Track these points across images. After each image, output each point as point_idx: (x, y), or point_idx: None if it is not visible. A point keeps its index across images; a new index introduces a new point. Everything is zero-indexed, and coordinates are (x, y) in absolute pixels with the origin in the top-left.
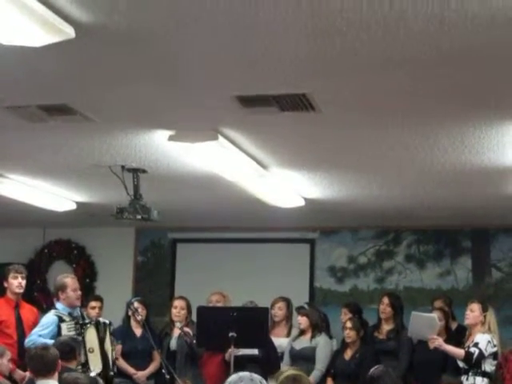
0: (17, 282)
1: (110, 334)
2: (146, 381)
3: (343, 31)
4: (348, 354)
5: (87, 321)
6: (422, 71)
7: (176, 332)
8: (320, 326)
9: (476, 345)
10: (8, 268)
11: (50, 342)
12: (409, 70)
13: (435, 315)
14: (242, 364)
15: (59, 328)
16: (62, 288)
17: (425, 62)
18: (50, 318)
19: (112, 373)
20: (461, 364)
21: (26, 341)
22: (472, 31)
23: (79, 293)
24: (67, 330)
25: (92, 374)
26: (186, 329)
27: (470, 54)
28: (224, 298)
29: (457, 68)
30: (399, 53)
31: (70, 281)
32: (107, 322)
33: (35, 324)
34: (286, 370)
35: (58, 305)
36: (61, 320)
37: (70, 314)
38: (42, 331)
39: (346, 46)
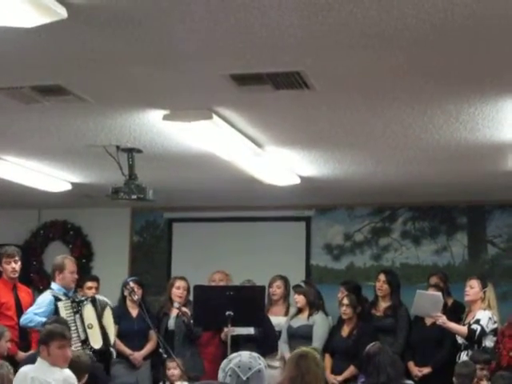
0: (10, 268)
1: (111, 309)
2: (142, 361)
3: (336, 8)
4: (345, 331)
5: (83, 298)
6: (416, 47)
7: (174, 312)
8: (317, 304)
9: (477, 321)
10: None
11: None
12: (403, 46)
13: (440, 293)
14: (239, 344)
15: (56, 307)
16: (60, 269)
17: (419, 37)
18: (46, 297)
19: (111, 348)
20: (460, 340)
21: (22, 319)
22: (467, 6)
23: (76, 276)
24: (64, 309)
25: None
26: (184, 309)
27: (465, 29)
28: (227, 276)
29: (451, 43)
30: (393, 29)
31: (68, 263)
32: (107, 300)
33: (32, 305)
34: (299, 348)
35: (54, 285)
36: (57, 299)
37: (65, 295)
38: (38, 310)
39: (340, 23)
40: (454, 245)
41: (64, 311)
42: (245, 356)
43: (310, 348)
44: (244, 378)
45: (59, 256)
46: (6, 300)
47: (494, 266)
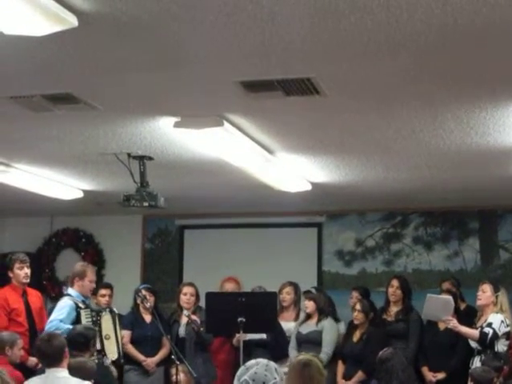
0: (23, 273)
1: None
2: (155, 367)
3: (346, 14)
4: (356, 336)
5: (101, 308)
6: (426, 53)
7: (184, 319)
8: (326, 310)
9: (490, 325)
10: (12, 258)
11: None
12: (413, 51)
13: (451, 297)
14: (250, 349)
15: (78, 314)
16: (81, 275)
17: (429, 43)
18: (66, 302)
19: (122, 360)
20: (473, 345)
21: (47, 326)
22: (476, 10)
23: (94, 285)
24: (85, 318)
25: (108, 361)
26: (193, 316)
27: (475, 34)
28: (238, 285)
29: (461, 49)
30: (403, 35)
31: (89, 271)
32: (115, 310)
33: (42, 309)
34: (299, 354)
35: (72, 291)
36: (77, 306)
37: (83, 302)
38: (61, 315)
39: (350, 29)
40: (465, 250)
41: (85, 320)
42: (261, 367)
43: (312, 355)
44: None
45: (79, 263)
46: (17, 306)
47: (507, 271)
